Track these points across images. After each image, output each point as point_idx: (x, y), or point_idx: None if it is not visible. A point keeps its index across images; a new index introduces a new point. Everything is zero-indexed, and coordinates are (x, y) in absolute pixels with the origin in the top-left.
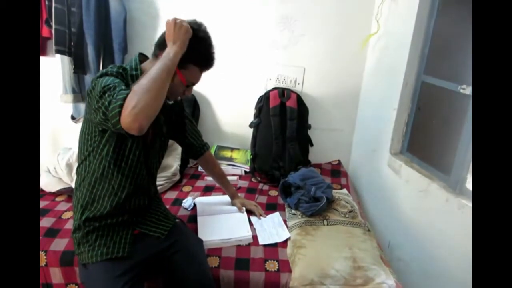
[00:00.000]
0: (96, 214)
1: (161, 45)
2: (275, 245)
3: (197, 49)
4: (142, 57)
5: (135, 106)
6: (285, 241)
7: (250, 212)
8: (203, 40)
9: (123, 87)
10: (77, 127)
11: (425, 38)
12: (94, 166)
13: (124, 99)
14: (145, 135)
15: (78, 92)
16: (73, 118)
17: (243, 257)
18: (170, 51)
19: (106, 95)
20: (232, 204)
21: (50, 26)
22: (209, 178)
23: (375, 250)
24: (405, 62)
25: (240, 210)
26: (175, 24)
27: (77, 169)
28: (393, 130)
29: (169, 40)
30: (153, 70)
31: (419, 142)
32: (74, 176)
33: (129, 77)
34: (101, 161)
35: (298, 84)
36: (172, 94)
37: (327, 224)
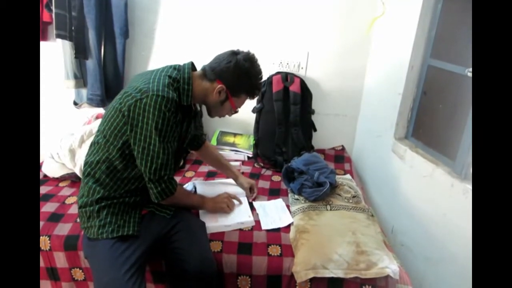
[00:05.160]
0: (110, 194)
1: (224, 79)
2: (277, 230)
3: (250, 82)
4: (193, 66)
5: (169, 202)
6: (288, 226)
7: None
8: (256, 74)
9: (170, 168)
10: (80, 113)
11: (432, 20)
12: (117, 155)
13: (163, 196)
14: (179, 139)
15: (80, 77)
16: (75, 104)
17: (245, 241)
18: (203, 207)
19: (155, 167)
20: (238, 184)
21: (50, 10)
22: None
23: (379, 235)
24: (411, 45)
25: (246, 190)
26: (223, 207)
27: (93, 144)
28: (398, 115)
29: (211, 205)
30: (188, 202)
31: (424, 127)
32: (77, 162)
33: (180, 90)
34: (129, 154)
35: (302, 68)
36: (218, 115)
37: (331, 209)
